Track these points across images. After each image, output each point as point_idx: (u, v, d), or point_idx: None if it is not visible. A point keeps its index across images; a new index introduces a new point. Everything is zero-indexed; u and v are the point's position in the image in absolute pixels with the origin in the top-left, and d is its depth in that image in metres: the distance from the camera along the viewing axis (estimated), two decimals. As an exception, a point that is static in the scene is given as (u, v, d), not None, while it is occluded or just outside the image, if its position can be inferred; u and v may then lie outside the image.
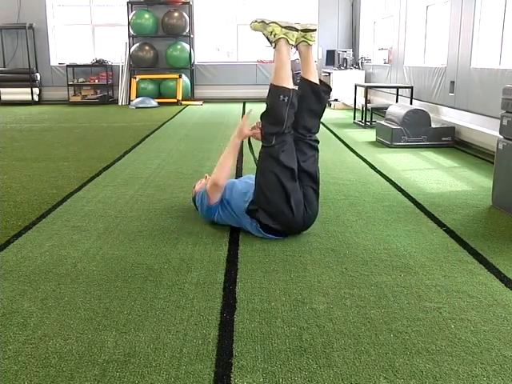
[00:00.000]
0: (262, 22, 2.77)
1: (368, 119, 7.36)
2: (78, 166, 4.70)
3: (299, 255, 2.58)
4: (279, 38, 2.71)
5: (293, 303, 2.07)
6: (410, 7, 7.85)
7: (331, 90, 2.87)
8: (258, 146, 2.82)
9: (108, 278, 2.31)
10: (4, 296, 2.14)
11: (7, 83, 10.99)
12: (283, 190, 2.67)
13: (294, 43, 2.75)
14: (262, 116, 2.75)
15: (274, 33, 2.71)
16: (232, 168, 2.86)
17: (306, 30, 2.75)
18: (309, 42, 2.78)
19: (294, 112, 2.71)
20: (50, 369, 1.64)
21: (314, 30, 2.76)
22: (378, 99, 9.06)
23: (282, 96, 2.64)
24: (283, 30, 2.70)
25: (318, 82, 2.79)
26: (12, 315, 1.98)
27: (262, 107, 2.79)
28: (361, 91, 8.29)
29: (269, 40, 2.77)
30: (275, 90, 2.68)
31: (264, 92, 2.83)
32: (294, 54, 2.87)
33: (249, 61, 11.78)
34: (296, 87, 2.76)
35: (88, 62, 11.44)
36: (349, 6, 11.40)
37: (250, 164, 2.98)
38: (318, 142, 2.87)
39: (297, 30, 2.72)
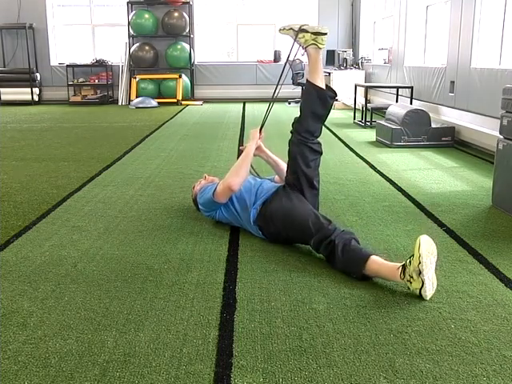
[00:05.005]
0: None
1: (368, 119, 7.36)
2: (78, 165, 4.70)
3: (299, 255, 2.58)
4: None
5: (293, 303, 2.07)
6: (410, 7, 7.85)
7: (337, 95, 2.87)
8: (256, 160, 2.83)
9: (108, 278, 2.31)
10: (4, 296, 2.14)
11: (7, 83, 10.99)
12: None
13: (323, 47, 2.78)
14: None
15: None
16: (247, 173, 2.87)
17: (316, 33, 2.77)
18: (319, 45, 2.79)
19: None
20: (50, 369, 1.64)
21: (325, 33, 2.78)
22: (378, 99, 9.06)
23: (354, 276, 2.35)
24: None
25: (324, 87, 2.79)
26: (12, 315, 1.98)
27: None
28: (361, 91, 8.29)
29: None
30: (356, 273, 2.35)
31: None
32: (303, 56, 2.87)
33: (249, 61, 11.78)
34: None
35: (88, 62, 11.43)
36: (349, 6, 11.40)
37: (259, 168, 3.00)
38: (321, 145, 2.87)
39: (325, 34, 2.73)
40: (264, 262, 2.49)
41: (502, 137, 3.39)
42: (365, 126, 7.31)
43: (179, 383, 1.58)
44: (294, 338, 1.82)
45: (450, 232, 2.92)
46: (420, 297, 2.09)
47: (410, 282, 2.11)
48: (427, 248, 2.08)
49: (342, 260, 2.33)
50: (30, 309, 2.03)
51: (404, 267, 2.13)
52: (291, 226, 2.60)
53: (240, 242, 2.77)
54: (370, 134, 6.51)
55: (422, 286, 2.07)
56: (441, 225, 3.04)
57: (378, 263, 2.26)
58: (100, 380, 1.59)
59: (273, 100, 2.95)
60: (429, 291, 2.09)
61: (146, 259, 2.53)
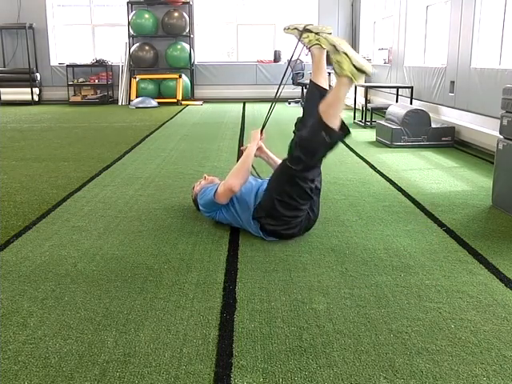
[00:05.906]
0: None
1: (368, 119, 7.36)
2: (78, 166, 4.70)
3: (299, 255, 2.58)
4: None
5: (293, 303, 2.07)
6: (410, 7, 7.85)
7: None
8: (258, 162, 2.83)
9: (108, 278, 2.31)
10: (4, 296, 2.14)
11: (7, 83, 10.98)
12: (296, 209, 2.71)
13: (327, 48, 2.74)
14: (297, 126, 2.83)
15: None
16: (248, 174, 2.87)
17: (319, 33, 2.78)
18: (323, 45, 2.79)
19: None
20: (50, 369, 1.64)
21: (329, 34, 2.78)
22: (378, 99, 9.05)
23: (325, 136, 2.48)
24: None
25: (327, 87, 2.80)
26: (12, 315, 1.98)
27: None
28: (361, 91, 8.29)
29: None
30: (320, 126, 2.50)
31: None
32: (307, 56, 2.88)
33: (249, 61, 11.78)
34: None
35: (88, 61, 11.43)
36: (349, 6, 11.39)
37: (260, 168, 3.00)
38: None
39: (329, 33, 2.72)
40: (264, 262, 2.49)
41: (502, 137, 3.39)
42: (365, 126, 7.31)
43: (179, 383, 1.58)
44: (294, 338, 1.82)
45: (450, 232, 2.92)
46: (363, 73, 2.29)
47: (341, 67, 2.28)
48: (335, 38, 2.34)
49: (307, 134, 2.51)
50: (30, 309, 2.03)
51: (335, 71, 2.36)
52: (283, 178, 2.66)
53: (240, 241, 2.77)
54: (370, 134, 6.51)
55: (347, 56, 2.25)
56: (441, 225, 3.04)
57: (324, 100, 2.46)
58: (100, 380, 1.59)
59: (275, 100, 2.94)
60: (357, 57, 2.26)
61: (145, 259, 2.53)
